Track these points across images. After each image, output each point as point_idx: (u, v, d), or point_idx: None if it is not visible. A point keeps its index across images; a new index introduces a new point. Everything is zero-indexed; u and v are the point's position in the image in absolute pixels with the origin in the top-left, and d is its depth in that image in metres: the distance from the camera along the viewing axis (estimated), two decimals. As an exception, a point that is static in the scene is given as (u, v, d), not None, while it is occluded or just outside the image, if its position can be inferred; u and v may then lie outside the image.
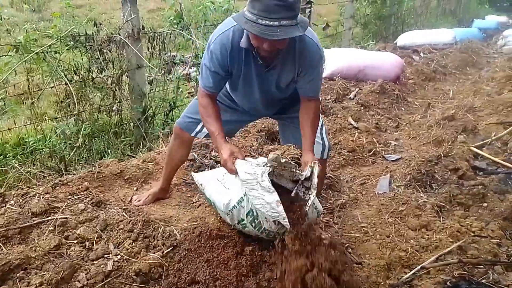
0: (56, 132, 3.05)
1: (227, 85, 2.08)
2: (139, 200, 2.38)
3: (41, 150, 2.95)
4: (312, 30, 1.90)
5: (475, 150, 3.15)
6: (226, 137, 1.97)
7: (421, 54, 6.44)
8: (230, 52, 1.81)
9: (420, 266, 1.92)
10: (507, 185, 2.65)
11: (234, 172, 1.80)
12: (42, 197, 2.14)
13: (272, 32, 1.56)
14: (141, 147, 3.29)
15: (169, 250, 1.89)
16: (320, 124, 2.14)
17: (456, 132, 3.49)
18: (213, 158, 2.97)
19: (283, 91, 2.01)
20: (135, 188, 2.53)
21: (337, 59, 4.81)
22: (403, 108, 4.37)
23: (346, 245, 2.14)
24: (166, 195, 2.48)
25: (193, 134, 2.24)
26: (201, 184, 2.17)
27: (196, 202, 2.42)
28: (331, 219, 2.42)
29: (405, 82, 4.93)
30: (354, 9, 7.29)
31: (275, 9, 1.54)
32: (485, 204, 2.44)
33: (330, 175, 2.80)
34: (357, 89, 4.49)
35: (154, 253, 1.84)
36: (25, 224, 1.94)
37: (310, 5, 6.43)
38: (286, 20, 1.57)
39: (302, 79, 1.91)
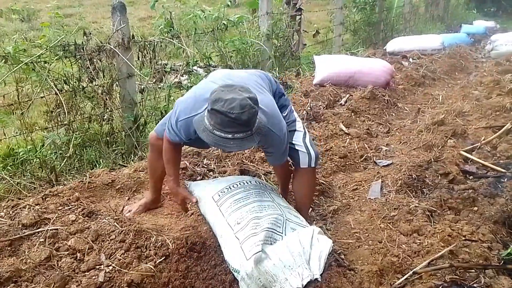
0: (46, 143, 3.03)
1: None
2: (129, 211, 2.37)
3: (31, 161, 2.92)
4: (276, 120, 1.91)
5: (465, 154, 3.19)
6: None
7: (410, 59, 6.52)
8: (194, 132, 1.84)
9: (412, 271, 1.93)
10: (496, 188, 2.68)
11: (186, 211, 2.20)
12: (33, 209, 2.12)
13: (226, 144, 1.65)
14: (132, 156, 3.27)
15: (161, 260, 1.88)
16: (302, 134, 2.17)
17: (446, 136, 3.52)
18: (205, 166, 2.97)
19: None
20: (126, 198, 2.52)
21: (327, 66, 4.85)
22: (393, 114, 4.41)
23: (338, 252, 2.15)
24: (157, 204, 2.47)
25: None
26: (197, 196, 2.19)
27: (188, 210, 2.41)
28: (323, 226, 2.42)
29: (395, 87, 4.97)
30: (343, 16, 7.36)
31: (229, 124, 1.61)
32: (476, 208, 2.46)
33: (322, 181, 2.81)
34: (347, 95, 4.52)
35: (146, 263, 1.83)
36: (16, 236, 1.92)
37: (300, 13, 6.50)
38: (240, 133, 1.63)
39: (265, 150, 2.08)
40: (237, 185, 2.19)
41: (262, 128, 1.70)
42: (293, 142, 2.13)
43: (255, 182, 2.29)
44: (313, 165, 2.18)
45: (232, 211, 1.99)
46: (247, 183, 2.22)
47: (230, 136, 1.62)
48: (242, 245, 1.80)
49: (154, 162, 2.30)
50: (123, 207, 2.41)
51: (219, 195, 2.13)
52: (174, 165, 2.09)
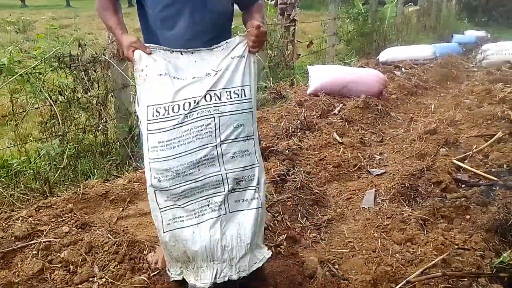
0: (40, 154, 3.03)
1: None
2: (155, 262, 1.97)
3: (25, 172, 2.91)
4: None
5: (457, 163, 3.22)
6: None
7: (403, 69, 6.59)
8: None
9: (406, 280, 1.94)
10: (488, 197, 2.70)
11: (131, 61, 1.68)
12: (26, 221, 2.12)
13: None
14: (127, 167, 3.27)
15: (155, 272, 1.87)
16: None
17: (438, 145, 3.56)
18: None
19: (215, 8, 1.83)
20: (120, 209, 2.52)
21: (321, 76, 4.90)
22: (386, 123, 4.45)
23: (332, 261, 2.15)
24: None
25: None
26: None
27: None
28: (318, 235, 2.43)
29: (387, 97, 5.02)
30: (337, 26, 7.45)
31: None
32: (468, 217, 2.48)
33: (316, 191, 2.82)
34: (341, 105, 4.56)
35: (139, 276, 1.83)
36: (8, 249, 1.91)
37: (294, 23, 6.57)
38: None
39: None
40: (181, 108, 1.66)
41: None
42: None
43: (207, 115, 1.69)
44: None
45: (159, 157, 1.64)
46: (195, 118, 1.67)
47: None
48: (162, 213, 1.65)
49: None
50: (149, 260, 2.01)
51: (154, 112, 1.66)
52: (113, 13, 1.79)
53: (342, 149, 3.51)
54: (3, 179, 2.84)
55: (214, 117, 1.67)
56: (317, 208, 2.72)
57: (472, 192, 2.72)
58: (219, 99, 1.68)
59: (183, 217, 1.66)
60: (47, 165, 2.99)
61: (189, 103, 1.66)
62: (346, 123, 4.08)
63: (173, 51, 1.72)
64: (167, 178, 1.63)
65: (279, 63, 5.82)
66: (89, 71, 3.31)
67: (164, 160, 1.63)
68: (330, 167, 3.23)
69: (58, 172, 2.96)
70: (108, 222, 2.31)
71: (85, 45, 3.38)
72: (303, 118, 4.02)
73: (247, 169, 1.73)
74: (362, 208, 2.73)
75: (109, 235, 2.03)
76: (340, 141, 3.66)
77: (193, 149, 1.64)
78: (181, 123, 1.64)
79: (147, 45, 1.71)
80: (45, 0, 21.61)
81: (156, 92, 1.65)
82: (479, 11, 15.28)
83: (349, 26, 8.06)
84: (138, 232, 2.26)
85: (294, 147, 3.50)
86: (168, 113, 1.64)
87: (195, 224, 1.66)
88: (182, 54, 1.72)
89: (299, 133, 3.78)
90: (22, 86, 2.99)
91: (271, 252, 1.79)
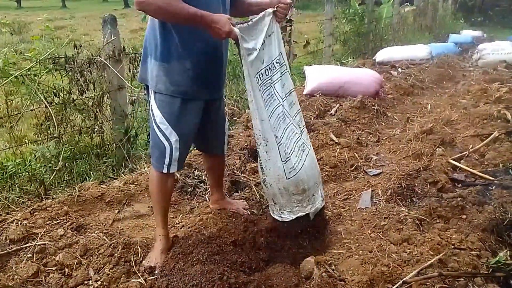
0: (35, 156, 3.01)
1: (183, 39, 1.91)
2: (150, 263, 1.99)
3: (20, 174, 2.90)
4: None
5: (454, 162, 3.22)
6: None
7: (399, 69, 6.60)
8: None
9: (402, 281, 1.93)
10: (485, 196, 2.70)
11: (235, 36, 1.83)
12: (20, 223, 2.10)
13: None
14: (123, 168, 3.26)
15: (150, 275, 1.86)
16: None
17: (434, 145, 3.56)
18: (196, 177, 2.97)
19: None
20: (116, 211, 2.51)
21: (318, 76, 4.90)
22: (383, 123, 4.45)
23: (329, 262, 2.15)
24: (170, 240, 2.14)
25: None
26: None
27: (179, 223, 2.40)
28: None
29: (384, 97, 5.02)
30: (333, 27, 7.45)
31: None
32: (464, 216, 2.48)
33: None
34: (337, 105, 4.56)
35: (135, 278, 1.82)
36: (3, 252, 1.90)
37: (290, 24, 6.57)
38: None
39: None
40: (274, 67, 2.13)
41: None
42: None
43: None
44: None
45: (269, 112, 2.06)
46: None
47: None
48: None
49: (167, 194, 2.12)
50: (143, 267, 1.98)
51: (259, 77, 2.04)
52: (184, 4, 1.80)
53: (338, 149, 3.51)
54: (-2, 182, 2.82)
55: (272, 86, 2.09)
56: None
57: (469, 191, 2.72)
58: (271, 71, 2.09)
59: (296, 162, 2.14)
60: (43, 167, 2.98)
61: (258, 77, 2.03)
62: (343, 124, 4.08)
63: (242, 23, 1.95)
64: (277, 129, 2.07)
65: (275, 64, 5.80)
66: (85, 72, 3.30)
67: (270, 116, 2.04)
68: (327, 168, 3.23)
69: (53, 174, 2.95)
70: (104, 224, 2.30)
71: (81, 46, 3.36)
72: (299, 118, 4.01)
73: (297, 114, 2.25)
74: (359, 208, 2.73)
75: (104, 237, 2.02)
76: (337, 141, 3.66)
77: (273, 108, 2.08)
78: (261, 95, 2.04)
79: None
80: (40, 1, 21.56)
81: (258, 62, 2.01)
82: (475, 11, 15.35)
83: (346, 27, 8.08)
84: (134, 234, 2.25)
85: (290, 147, 3.49)
86: (266, 75, 2.05)
87: (303, 165, 2.17)
88: (248, 25, 1.95)
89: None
90: (17, 88, 2.98)
91: None
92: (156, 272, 1.91)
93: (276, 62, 2.12)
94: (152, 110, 2.03)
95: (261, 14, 2.02)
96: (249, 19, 1.99)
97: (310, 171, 2.23)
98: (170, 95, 1.96)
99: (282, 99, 2.13)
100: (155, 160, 2.06)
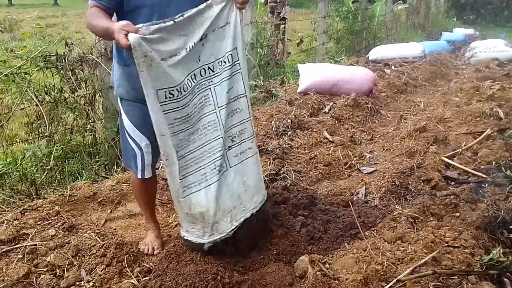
0: (26, 155, 2.97)
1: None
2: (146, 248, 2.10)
3: (11, 174, 2.86)
4: None
5: (447, 160, 3.23)
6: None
7: (392, 67, 6.61)
8: None
9: (396, 279, 1.93)
10: (478, 194, 2.72)
11: (127, 46, 1.56)
12: (11, 224, 2.07)
13: None
14: (115, 168, 3.23)
15: (144, 276, 1.84)
16: None
17: (427, 143, 3.57)
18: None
19: None
20: (109, 211, 2.48)
21: (311, 74, 4.89)
22: (376, 121, 4.46)
23: (323, 261, 2.14)
24: (160, 231, 2.21)
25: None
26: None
27: (172, 222, 2.38)
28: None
29: (377, 95, 5.03)
30: (327, 25, 7.45)
31: None
32: (458, 214, 2.49)
33: (308, 190, 2.81)
34: (331, 103, 4.56)
35: (127, 279, 1.80)
36: (-8, 253, 1.87)
37: (284, 22, 6.56)
38: None
39: None
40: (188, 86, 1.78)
41: None
42: None
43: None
44: None
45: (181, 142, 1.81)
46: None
47: None
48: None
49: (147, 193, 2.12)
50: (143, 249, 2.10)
51: (167, 95, 1.72)
52: (105, 17, 1.72)
53: (332, 147, 3.50)
54: (-12, 182, 2.78)
55: (210, 88, 1.84)
56: (308, 207, 2.71)
57: (462, 189, 2.73)
58: (213, 71, 1.83)
59: (196, 182, 1.87)
60: (34, 167, 2.94)
61: (190, 78, 1.77)
62: (337, 122, 4.08)
63: (165, 22, 1.67)
64: (182, 147, 1.81)
65: (269, 62, 5.80)
66: (76, 70, 3.26)
67: (180, 132, 1.79)
68: (321, 166, 3.22)
69: (45, 174, 2.91)
70: (96, 224, 2.27)
71: (72, 44, 3.32)
72: (293, 117, 4.01)
73: (239, 125, 1.95)
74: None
75: (96, 237, 2.00)
76: (331, 139, 3.66)
77: (200, 116, 1.83)
78: (190, 100, 1.78)
79: (138, 26, 1.61)
80: (32, -1, 21.33)
81: (165, 76, 1.68)
82: (467, 9, 15.44)
83: (339, 24, 8.07)
84: (127, 234, 2.23)
85: (284, 146, 3.49)
86: (181, 93, 1.74)
87: (206, 187, 1.89)
88: (174, 22, 1.68)
89: (290, 132, 3.77)
90: (8, 86, 2.93)
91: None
92: (155, 252, 2.03)
93: (224, 61, 1.84)
94: (121, 116, 1.99)
95: (208, 1, 1.75)
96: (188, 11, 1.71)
97: (219, 196, 1.91)
98: (133, 101, 1.90)
99: (220, 106, 1.87)
100: (128, 166, 2.05)
